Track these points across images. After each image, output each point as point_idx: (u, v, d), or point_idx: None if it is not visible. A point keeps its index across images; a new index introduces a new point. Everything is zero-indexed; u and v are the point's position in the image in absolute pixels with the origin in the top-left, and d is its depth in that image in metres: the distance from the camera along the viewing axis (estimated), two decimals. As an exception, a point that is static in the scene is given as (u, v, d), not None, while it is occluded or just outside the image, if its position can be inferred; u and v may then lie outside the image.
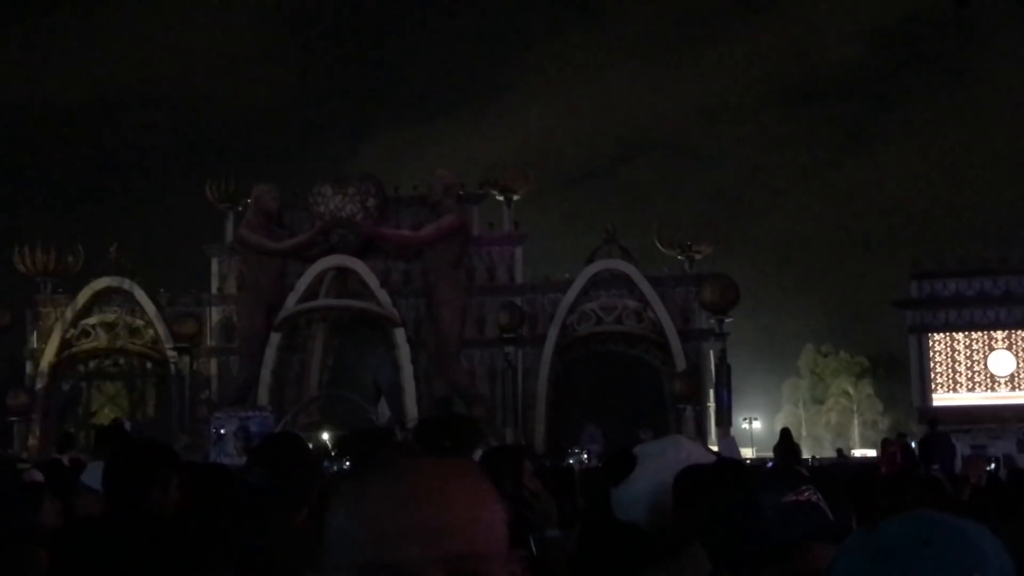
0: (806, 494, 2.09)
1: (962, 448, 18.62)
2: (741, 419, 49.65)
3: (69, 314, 44.49)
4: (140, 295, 44.56)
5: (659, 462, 5.61)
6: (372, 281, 42.34)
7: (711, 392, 41.49)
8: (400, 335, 41.65)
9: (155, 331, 44.51)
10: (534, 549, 5.97)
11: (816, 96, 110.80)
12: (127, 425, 26.53)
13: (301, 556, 3.99)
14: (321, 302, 42.82)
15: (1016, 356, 44.39)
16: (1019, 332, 44.38)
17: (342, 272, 43.21)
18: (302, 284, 42.63)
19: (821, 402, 73.71)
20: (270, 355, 42.31)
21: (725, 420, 40.11)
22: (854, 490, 7.12)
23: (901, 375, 53.01)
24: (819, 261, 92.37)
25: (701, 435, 37.83)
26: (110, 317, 45.18)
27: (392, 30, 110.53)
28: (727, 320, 41.57)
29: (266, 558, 3.93)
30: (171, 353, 43.64)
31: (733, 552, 2.04)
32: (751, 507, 2.05)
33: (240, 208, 45.94)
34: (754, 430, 54.39)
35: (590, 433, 20.05)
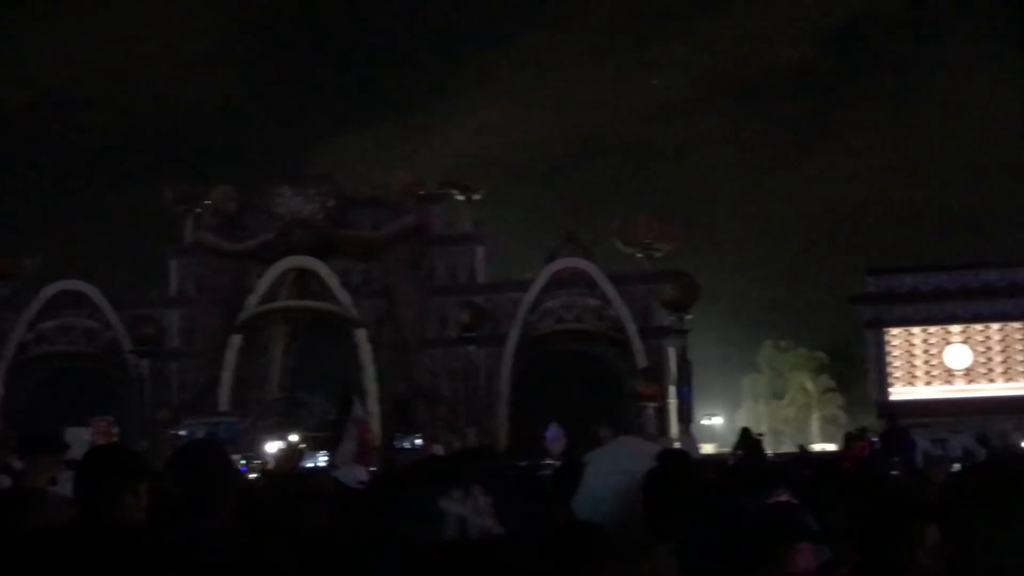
0: (784, 496, 2.13)
1: (922, 443, 18.85)
2: (702, 415, 49.83)
3: (26, 318, 43.97)
4: (98, 298, 44.13)
5: (605, 466, 5.70)
6: (333, 282, 42.17)
7: (672, 389, 41.67)
8: (361, 336, 41.50)
9: (114, 334, 44.09)
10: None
11: (770, 94, 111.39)
12: (115, 430, 26.30)
13: (222, 556, 4.13)
14: (281, 303, 42.61)
15: (972, 350, 44.93)
16: (975, 326, 44.91)
17: (302, 273, 43.01)
18: (262, 285, 42.40)
19: (781, 397, 74.20)
20: (230, 357, 42.01)
21: (686, 417, 40.33)
22: (818, 487, 7.18)
23: (859, 370, 53.54)
24: (777, 257, 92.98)
25: (662, 432, 38.01)
26: (68, 321, 44.70)
27: (351, 31, 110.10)
28: (687, 317, 41.79)
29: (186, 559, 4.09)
30: (130, 356, 43.25)
31: (718, 555, 2.07)
32: (736, 510, 2.08)
33: (199, 210, 45.62)
34: (715, 426, 54.63)
35: (553, 432, 20.13)
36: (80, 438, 11.96)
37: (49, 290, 44.14)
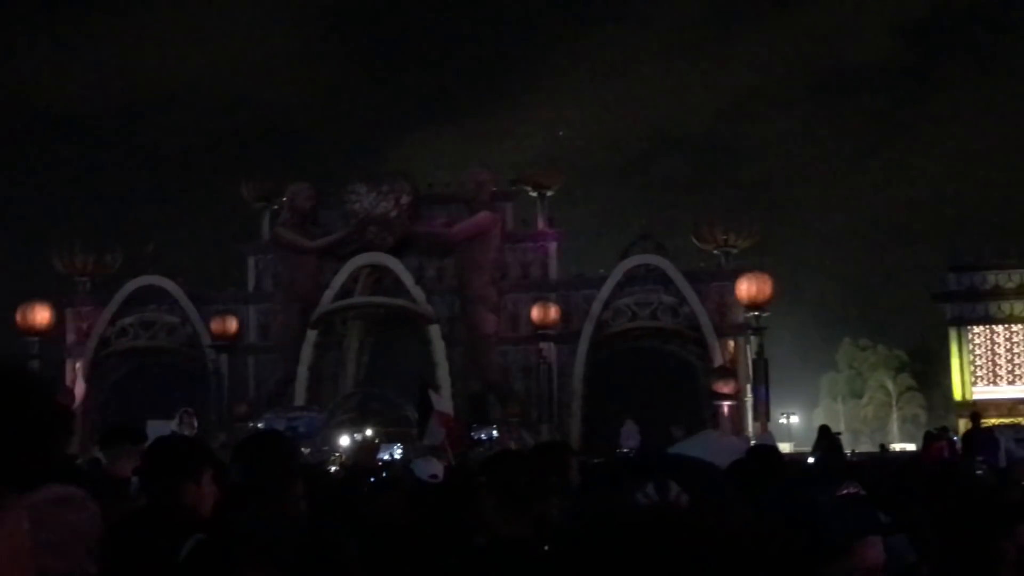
0: (853, 488, 2.03)
1: (1005, 442, 18.40)
2: (779, 414, 49.25)
3: (107, 313, 44.89)
4: (178, 293, 44.87)
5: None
6: (407, 278, 42.37)
7: (748, 387, 41.22)
8: (435, 332, 41.61)
9: (193, 329, 44.82)
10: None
11: (849, 88, 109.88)
12: (195, 422, 26.52)
13: (284, 544, 4.23)
14: (356, 299, 42.91)
15: (1058, 348, 43.81)
16: (1060, 324, 43.80)
17: (377, 269, 43.30)
18: (337, 281, 42.74)
19: (859, 396, 73.21)
20: (307, 353, 42.43)
21: (763, 415, 39.88)
22: (896, 485, 7.02)
23: (940, 368, 52.52)
24: (856, 254, 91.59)
25: (737, 432, 37.59)
26: (148, 316, 45.56)
27: (425, 27, 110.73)
28: (764, 314, 41.31)
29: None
30: (209, 351, 43.93)
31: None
32: (810, 504, 1.99)
33: (276, 206, 46.14)
34: (792, 425, 54.03)
35: (628, 430, 19.95)
36: (164, 431, 12.02)
37: (130, 285, 44.97)
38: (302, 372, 42.18)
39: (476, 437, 29.60)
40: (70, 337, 45.70)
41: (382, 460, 17.38)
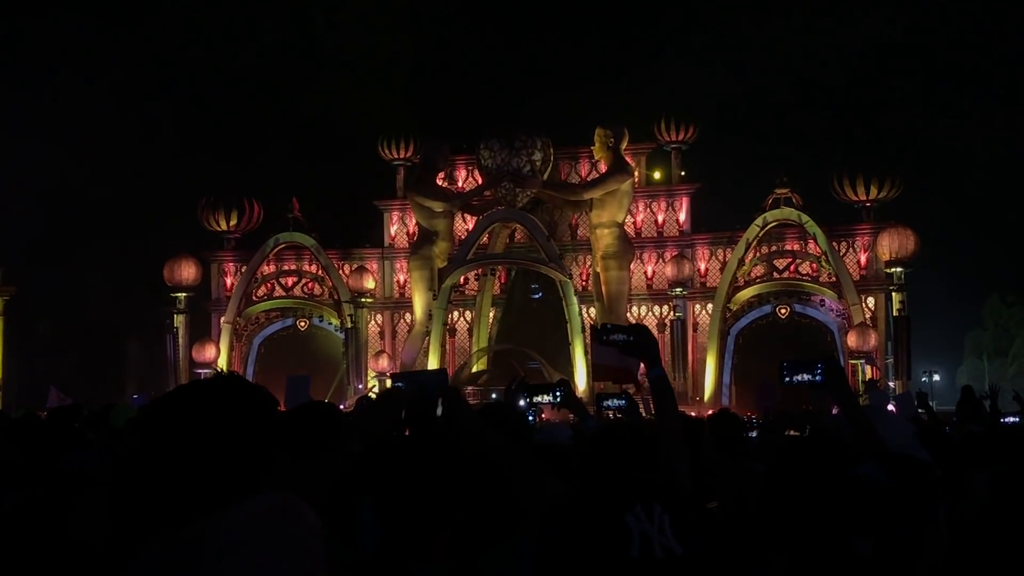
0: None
1: None
2: (921, 372, 47.93)
3: (250, 269, 46.09)
4: (317, 249, 45.79)
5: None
6: (540, 234, 42.36)
7: (889, 345, 40.17)
8: (568, 288, 41.60)
9: (333, 284, 45.72)
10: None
11: (1005, 32, 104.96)
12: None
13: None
14: (491, 256, 43.13)
15: None
16: None
17: (510, 225, 43.41)
18: (471, 238, 43.01)
19: (1006, 354, 70.85)
20: (441, 308, 42.85)
21: (904, 373, 38.85)
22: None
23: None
24: (1005, 206, 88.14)
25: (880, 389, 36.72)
26: (289, 271, 46.67)
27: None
28: (907, 270, 40.13)
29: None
30: (347, 306, 44.79)
31: None
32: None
33: (411, 163, 46.60)
34: (934, 383, 52.60)
35: (765, 388, 19.57)
36: (303, 385, 12.05)
37: (272, 242, 46.04)
38: (436, 327, 42.67)
39: (607, 406, 29.33)
40: (215, 292, 47.11)
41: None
